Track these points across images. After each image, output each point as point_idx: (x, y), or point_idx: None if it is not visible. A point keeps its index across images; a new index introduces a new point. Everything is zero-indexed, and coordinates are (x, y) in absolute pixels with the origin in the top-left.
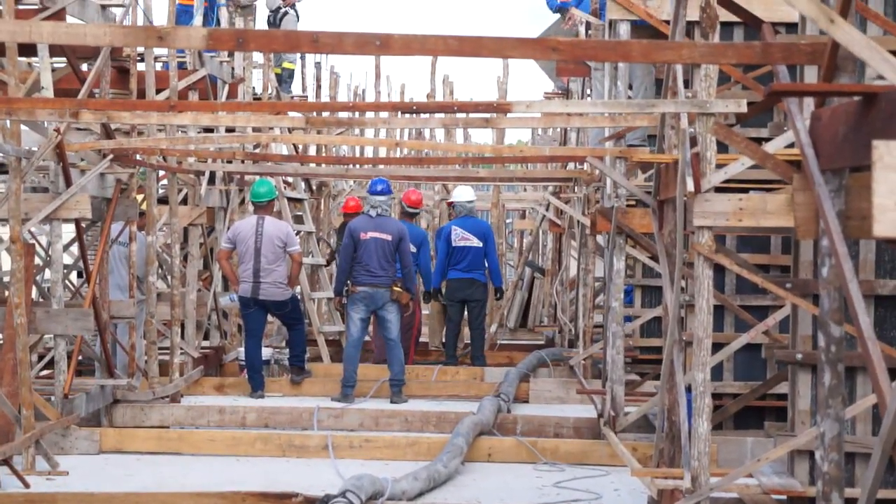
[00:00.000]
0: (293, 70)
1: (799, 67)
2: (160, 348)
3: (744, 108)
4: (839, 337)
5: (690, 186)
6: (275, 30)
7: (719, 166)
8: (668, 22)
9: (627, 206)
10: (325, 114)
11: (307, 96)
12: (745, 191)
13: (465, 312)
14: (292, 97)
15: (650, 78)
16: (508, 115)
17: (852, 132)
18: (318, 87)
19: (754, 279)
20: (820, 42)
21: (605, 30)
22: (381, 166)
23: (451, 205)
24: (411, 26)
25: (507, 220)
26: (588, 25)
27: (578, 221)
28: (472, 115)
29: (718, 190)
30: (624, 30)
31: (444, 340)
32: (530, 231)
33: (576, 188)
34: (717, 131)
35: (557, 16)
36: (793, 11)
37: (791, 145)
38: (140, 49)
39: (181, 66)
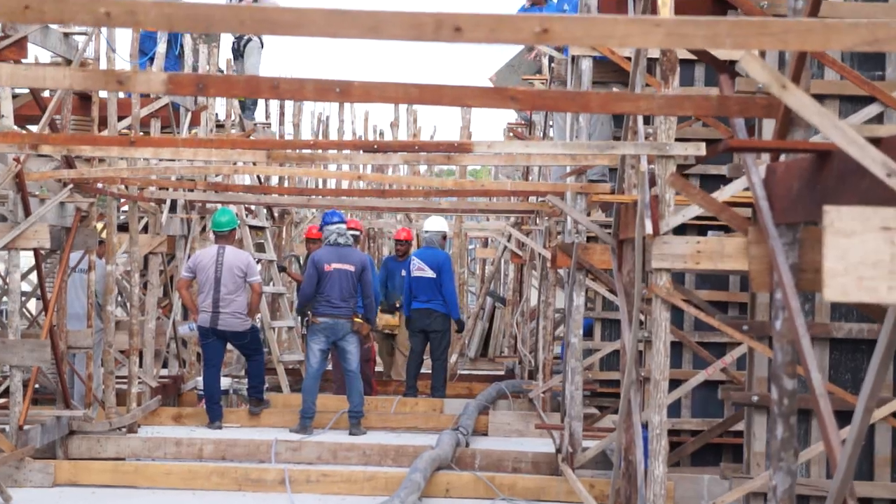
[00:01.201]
0: (256, 100)
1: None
2: (118, 377)
3: (702, 152)
4: (792, 390)
5: (649, 228)
6: (235, 75)
7: (679, 206)
8: (629, 58)
9: (588, 240)
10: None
11: (270, 123)
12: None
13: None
14: (255, 124)
15: (608, 117)
16: (470, 154)
17: (806, 188)
18: (282, 113)
19: (711, 322)
20: (776, 97)
21: (568, 64)
22: (344, 197)
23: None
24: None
25: (470, 247)
26: (551, 59)
27: (539, 254)
28: (433, 154)
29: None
30: (586, 65)
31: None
32: (492, 260)
33: (537, 220)
34: (674, 183)
35: (521, 47)
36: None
37: (748, 188)
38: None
39: (144, 95)
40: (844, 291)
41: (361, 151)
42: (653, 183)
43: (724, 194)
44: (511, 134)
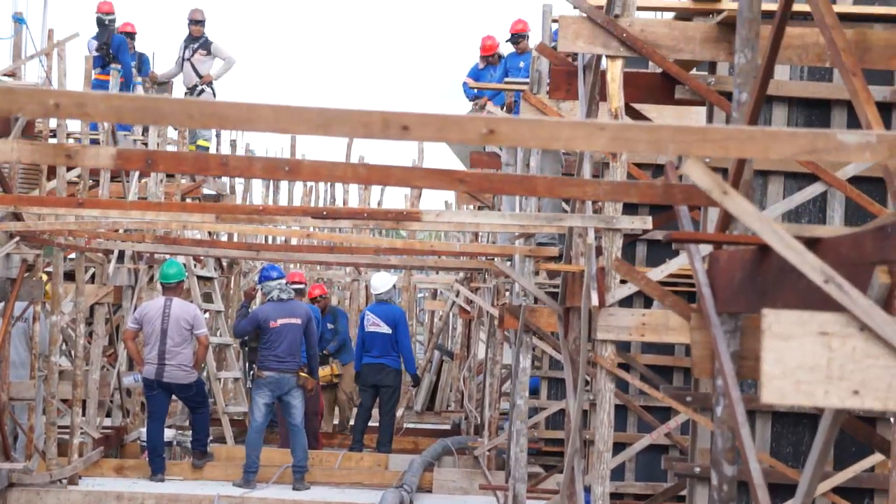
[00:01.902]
0: (208, 147)
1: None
2: (60, 427)
3: (648, 225)
4: (732, 476)
5: (595, 300)
6: (185, 152)
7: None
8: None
9: (535, 301)
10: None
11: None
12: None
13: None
14: (205, 178)
15: (558, 174)
16: (419, 222)
17: (748, 279)
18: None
19: (654, 394)
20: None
21: None
22: (293, 253)
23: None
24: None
25: (420, 295)
26: None
27: (487, 311)
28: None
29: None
30: None
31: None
32: (441, 315)
33: (486, 278)
34: (618, 268)
35: (472, 105)
36: (701, 118)
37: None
38: (52, 125)
39: (94, 143)
40: (782, 394)
41: (310, 217)
42: (599, 253)
43: (668, 267)
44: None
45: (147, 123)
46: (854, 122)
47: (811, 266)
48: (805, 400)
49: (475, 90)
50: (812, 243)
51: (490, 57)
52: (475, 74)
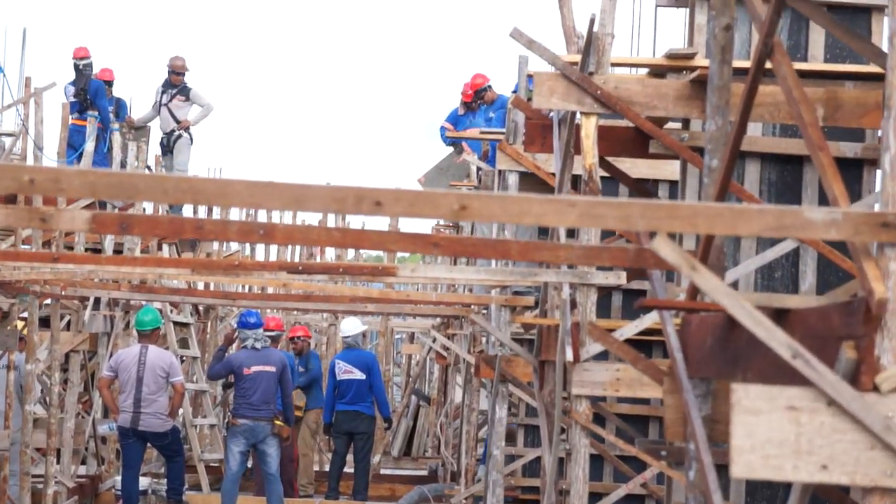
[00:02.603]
0: None
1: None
2: (34, 476)
3: (623, 280)
4: None
5: (570, 355)
6: (159, 216)
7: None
8: (553, 174)
9: (512, 353)
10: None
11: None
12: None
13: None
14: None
15: (533, 228)
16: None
17: (718, 345)
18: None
19: (629, 449)
20: (691, 251)
21: (495, 176)
22: (270, 301)
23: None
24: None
25: (397, 336)
26: (479, 168)
27: (464, 358)
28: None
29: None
30: (513, 180)
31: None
32: (417, 361)
33: (462, 324)
34: (591, 332)
35: (451, 149)
36: (675, 169)
37: None
38: (29, 165)
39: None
40: (751, 469)
41: (286, 272)
42: (574, 306)
43: (643, 323)
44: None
45: (122, 199)
46: None
47: (779, 341)
48: (774, 475)
49: (451, 135)
50: (781, 314)
51: (471, 103)
52: (454, 119)
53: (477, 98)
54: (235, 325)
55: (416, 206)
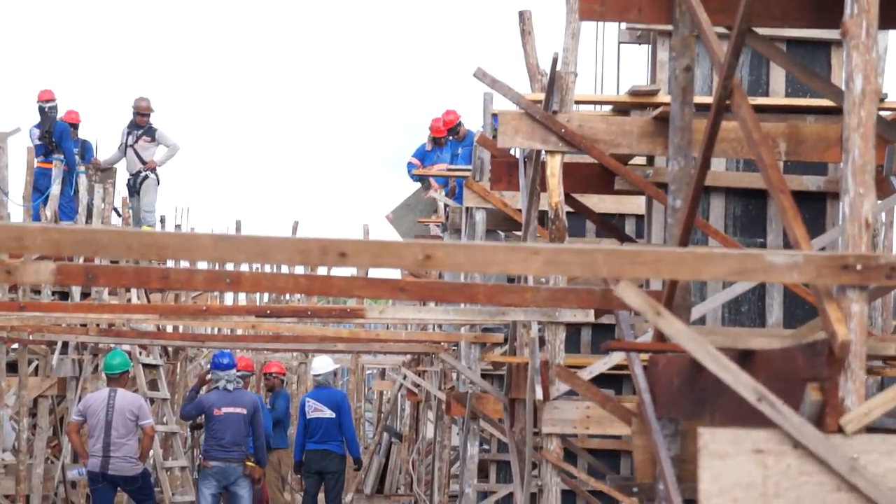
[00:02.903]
0: None
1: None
2: None
3: (591, 318)
4: None
5: (539, 394)
6: (125, 266)
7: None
8: (519, 210)
9: (482, 390)
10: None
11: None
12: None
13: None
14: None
15: None
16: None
17: (686, 385)
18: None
19: (600, 486)
20: (657, 291)
21: (462, 213)
22: (239, 343)
23: None
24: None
25: (368, 372)
26: (446, 205)
27: (435, 395)
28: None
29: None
30: (480, 217)
31: None
32: (388, 398)
33: (433, 361)
34: (559, 374)
35: (418, 184)
36: (641, 203)
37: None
38: None
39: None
40: None
41: (254, 316)
42: (543, 343)
43: (611, 360)
44: (408, 274)
45: (86, 255)
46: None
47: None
48: None
49: (419, 172)
50: (746, 355)
51: (442, 138)
52: (421, 155)
53: (450, 133)
54: (209, 366)
55: (380, 256)
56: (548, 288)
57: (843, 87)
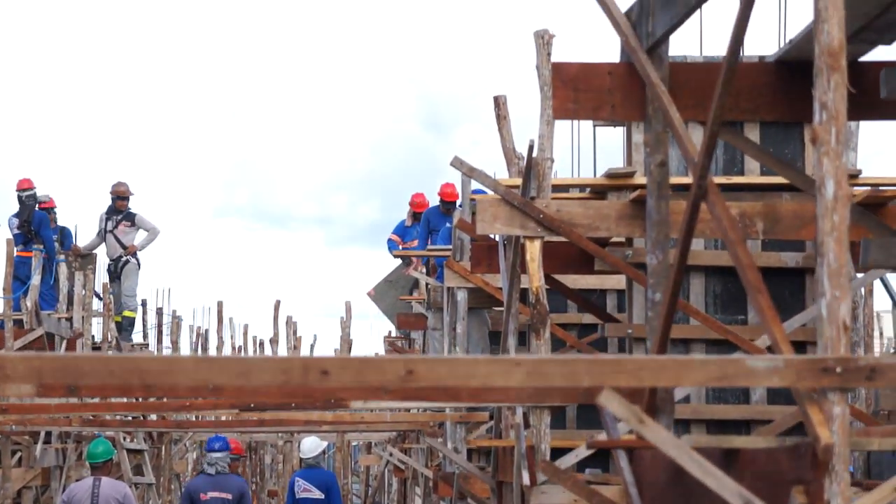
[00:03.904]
0: (133, 318)
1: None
2: None
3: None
4: None
5: (526, 479)
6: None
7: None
8: (500, 288)
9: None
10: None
11: (148, 343)
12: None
13: None
14: (133, 345)
15: (484, 340)
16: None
17: (672, 482)
18: (160, 332)
19: None
20: (640, 388)
21: (444, 292)
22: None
23: None
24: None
25: (354, 443)
26: (428, 283)
27: (422, 473)
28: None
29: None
30: (462, 296)
31: None
32: (375, 474)
33: (419, 438)
34: (544, 469)
35: (398, 261)
36: (622, 279)
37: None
38: None
39: (17, 323)
40: None
41: (238, 410)
42: (528, 425)
43: (601, 438)
44: (391, 348)
45: (68, 382)
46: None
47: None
48: None
49: (399, 247)
50: (730, 455)
51: (419, 214)
52: (401, 231)
53: (446, 206)
54: (204, 451)
55: (363, 373)
56: (533, 386)
57: (814, 179)
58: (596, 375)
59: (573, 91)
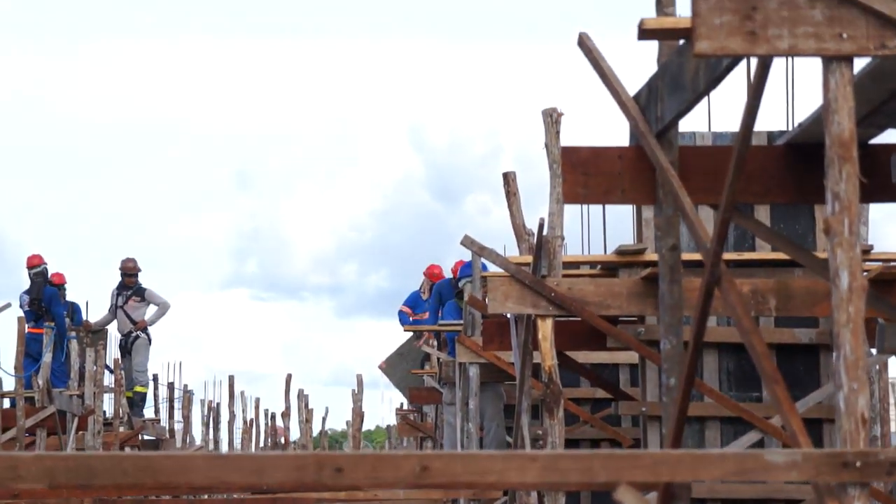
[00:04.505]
0: (145, 393)
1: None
2: None
3: None
4: None
5: None
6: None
7: None
8: (513, 363)
9: None
10: None
11: (159, 419)
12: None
13: None
14: (144, 421)
15: (500, 416)
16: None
17: None
18: (171, 407)
19: None
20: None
21: (456, 367)
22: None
23: None
24: None
25: None
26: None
27: None
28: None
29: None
30: (473, 372)
31: None
32: None
33: None
34: None
35: (409, 335)
36: (634, 354)
37: None
38: None
39: (29, 401)
40: None
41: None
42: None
43: None
44: (403, 422)
45: (81, 482)
46: (786, 363)
47: None
48: None
49: (410, 319)
50: None
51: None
52: (412, 303)
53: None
54: None
55: (378, 469)
56: (550, 482)
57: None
58: (612, 471)
59: (583, 175)
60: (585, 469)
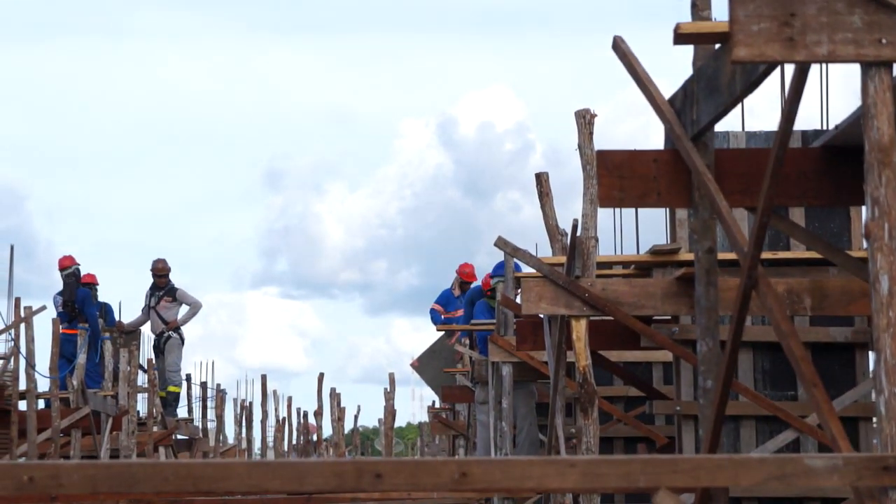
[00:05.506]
0: (178, 393)
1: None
2: None
3: None
4: None
5: None
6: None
7: None
8: (545, 362)
9: None
10: None
11: (193, 419)
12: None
13: None
14: (178, 420)
15: (532, 414)
16: None
17: None
18: (204, 406)
19: None
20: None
21: (488, 366)
22: None
23: None
24: None
25: None
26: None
27: None
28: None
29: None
30: (507, 371)
31: None
32: None
33: None
34: None
35: (441, 334)
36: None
37: None
38: (22, 387)
39: (63, 402)
40: None
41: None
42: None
43: None
44: (436, 420)
45: (122, 490)
46: (821, 362)
47: None
48: None
49: (442, 317)
50: None
51: (467, 284)
52: (444, 301)
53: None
54: None
55: (416, 476)
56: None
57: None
58: (652, 476)
59: (618, 179)
60: (625, 475)
